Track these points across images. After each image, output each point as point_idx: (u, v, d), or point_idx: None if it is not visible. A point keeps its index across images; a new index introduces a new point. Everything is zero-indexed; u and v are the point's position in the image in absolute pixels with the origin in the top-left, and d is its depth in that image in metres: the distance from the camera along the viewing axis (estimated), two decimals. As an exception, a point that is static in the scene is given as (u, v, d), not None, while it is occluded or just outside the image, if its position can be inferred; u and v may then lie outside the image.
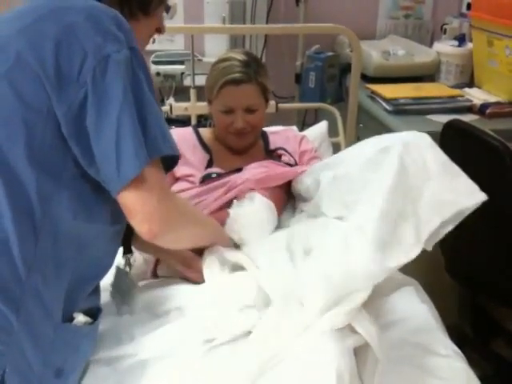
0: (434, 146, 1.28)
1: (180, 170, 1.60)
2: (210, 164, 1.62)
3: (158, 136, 1.00)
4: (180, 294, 1.27)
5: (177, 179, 1.61)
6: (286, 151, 1.68)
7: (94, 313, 1.15)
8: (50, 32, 0.97)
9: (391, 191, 1.18)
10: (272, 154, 1.69)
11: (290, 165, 1.63)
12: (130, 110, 0.96)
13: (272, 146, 1.71)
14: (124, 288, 1.36)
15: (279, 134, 1.78)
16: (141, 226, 1.02)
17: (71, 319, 1.10)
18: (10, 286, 0.99)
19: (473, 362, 1.29)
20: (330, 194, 1.37)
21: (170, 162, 1.08)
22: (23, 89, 0.97)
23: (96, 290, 1.18)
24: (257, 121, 1.62)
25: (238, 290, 1.21)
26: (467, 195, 1.22)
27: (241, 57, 1.59)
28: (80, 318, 1.11)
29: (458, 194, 1.22)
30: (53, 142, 0.98)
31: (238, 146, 1.64)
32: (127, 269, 1.36)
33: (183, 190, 1.54)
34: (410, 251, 1.18)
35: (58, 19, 0.98)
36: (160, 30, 1.23)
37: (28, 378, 1.02)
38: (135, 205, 1.00)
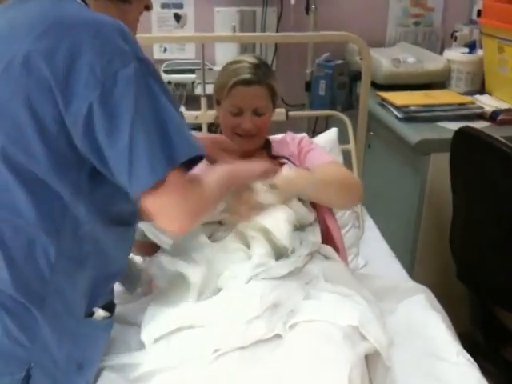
0: None
1: None
2: None
3: (179, 142, 1.00)
4: (189, 309, 1.26)
5: None
6: (287, 159, 1.67)
7: (109, 307, 1.20)
8: (59, 45, 0.96)
9: None
10: (274, 162, 1.68)
11: None
12: (143, 124, 0.96)
13: (274, 153, 1.71)
14: (133, 274, 1.45)
15: (279, 142, 1.78)
16: (168, 227, 1.03)
17: (91, 314, 1.15)
18: (35, 285, 1.04)
19: (485, 370, 1.28)
20: None
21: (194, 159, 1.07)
22: (35, 100, 0.97)
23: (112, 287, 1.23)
24: (264, 124, 1.61)
25: (245, 303, 1.21)
26: None
27: (252, 59, 1.60)
28: (100, 313, 1.16)
29: None
30: (69, 154, 1.00)
31: (244, 148, 1.64)
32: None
33: None
34: None
35: (65, 33, 0.97)
36: (148, 6, 1.22)
37: (52, 372, 1.07)
38: (157, 210, 1.01)
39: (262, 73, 1.58)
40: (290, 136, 1.79)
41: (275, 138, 1.82)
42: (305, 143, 1.73)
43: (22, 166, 1.00)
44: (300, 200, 1.48)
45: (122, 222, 1.10)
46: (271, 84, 1.60)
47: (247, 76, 1.56)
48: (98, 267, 1.10)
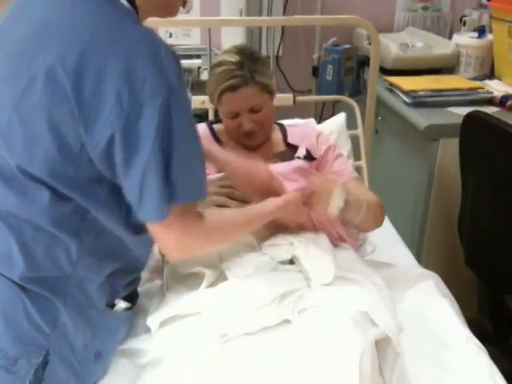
0: None
1: None
2: None
3: (184, 183, 0.99)
4: (196, 296, 1.25)
5: None
6: (308, 152, 1.65)
7: (132, 298, 1.21)
8: (87, 65, 0.91)
9: None
10: (290, 150, 1.66)
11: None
12: (155, 162, 0.94)
13: (290, 139, 1.69)
14: None
15: (298, 128, 1.76)
16: (163, 251, 1.10)
17: (113, 305, 1.16)
18: (57, 279, 1.05)
19: (493, 356, 1.27)
20: None
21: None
22: (58, 118, 0.94)
23: (137, 277, 1.24)
24: (264, 118, 1.58)
25: (254, 292, 1.20)
26: None
27: (234, 58, 1.52)
28: (121, 305, 1.17)
29: None
30: (91, 171, 0.99)
31: (251, 145, 1.62)
32: None
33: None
34: None
35: (95, 52, 0.92)
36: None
37: (69, 359, 1.09)
38: (156, 235, 1.05)
39: (247, 71, 1.51)
40: (308, 128, 1.78)
41: (291, 123, 1.81)
42: (327, 143, 1.70)
43: (42, 180, 0.99)
44: None
45: (144, 228, 1.08)
46: (259, 80, 1.53)
47: (232, 81, 1.50)
48: (120, 263, 1.11)
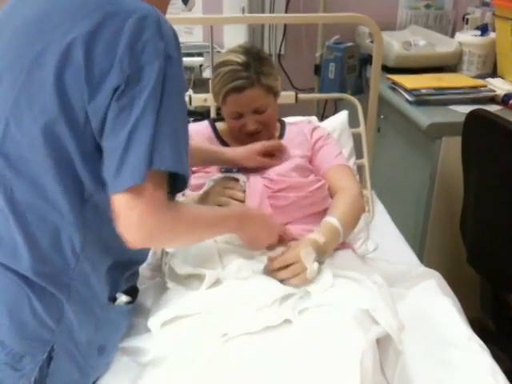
0: None
1: None
2: None
3: (166, 150, 0.98)
4: (196, 297, 1.24)
5: (193, 172, 1.60)
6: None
7: (132, 292, 1.22)
8: (99, 34, 0.96)
9: None
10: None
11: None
12: (144, 125, 0.96)
13: (287, 136, 1.69)
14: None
15: (296, 126, 1.76)
16: (121, 232, 1.00)
17: (114, 299, 1.17)
18: (62, 273, 1.06)
19: (495, 356, 1.27)
20: None
21: (181, 180, 1.05)
22: (69, 90, 0.97)
23: (135, 271, 1.24)
24: (268, 119, 1.58)
25: (254, 293, 1.20)
26: None
27: (240, 59, 1.51)
28: (122, 298, 1.18)
29: None
30: (94, 144, 1.00)
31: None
32: None
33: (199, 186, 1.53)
34: None
35: (106, 22, 0.97)
36: None
37: (73, 355, 1.09)
38: (120, 211, 0.99)
39: (253, 73, 1.50)
40: (307, 125, 1.77)
41: (291, 120, 1.81)
42: (320, 134, 1.70)
43: (51, 156, 1.00)
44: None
45: None
46: (265, 83, 1.53)
47: (238, 83, 1.49)
48: (121, 254, 1.10)
